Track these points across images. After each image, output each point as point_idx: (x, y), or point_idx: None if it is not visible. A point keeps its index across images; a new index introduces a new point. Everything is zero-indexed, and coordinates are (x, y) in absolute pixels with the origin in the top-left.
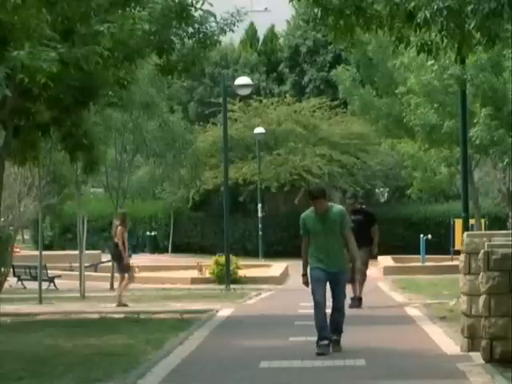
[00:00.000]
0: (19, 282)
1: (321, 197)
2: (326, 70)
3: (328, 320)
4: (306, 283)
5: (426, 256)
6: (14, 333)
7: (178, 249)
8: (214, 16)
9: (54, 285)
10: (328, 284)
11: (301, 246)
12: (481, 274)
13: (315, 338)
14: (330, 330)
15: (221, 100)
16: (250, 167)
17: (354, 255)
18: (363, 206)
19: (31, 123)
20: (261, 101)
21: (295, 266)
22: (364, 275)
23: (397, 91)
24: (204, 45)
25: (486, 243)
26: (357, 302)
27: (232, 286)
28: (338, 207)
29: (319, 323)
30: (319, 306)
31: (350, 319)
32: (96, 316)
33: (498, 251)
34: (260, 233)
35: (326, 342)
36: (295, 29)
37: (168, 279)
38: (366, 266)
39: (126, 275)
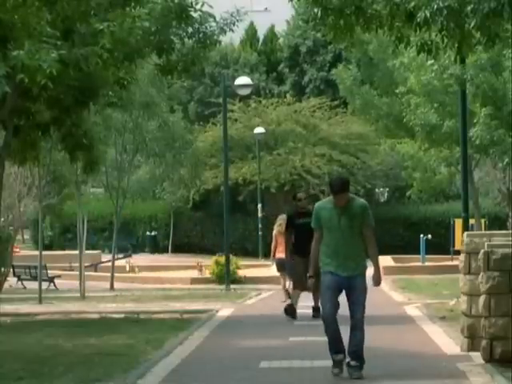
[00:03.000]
0: (19, 282)
1: (344, 190)
2: (326, 69)
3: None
4: (311, 286)
5: (426, 256)
6: (14, 333)
7: (178, 249)
8: (214, 17)
9: (54, 285)
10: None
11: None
12: (481, 274)
13: (315, 338)
14: (347, 352)
15: (221, 100)
16: (250, 167)
17: (375, 260)
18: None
19: (31, 123)
20: (260, 101)
21: None
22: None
23: (397, 91)
24: (204, 45)
25: (486, 243)
26: (316, 312)
27: (232, 286)
28: (360, 200)
29: (331, 337)
30: (328, 321)
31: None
32: (96, 316)
33: (498, 251)
34: (260, 233)
35: (341, 356)
36: (295, 29)
37: (168, 279)
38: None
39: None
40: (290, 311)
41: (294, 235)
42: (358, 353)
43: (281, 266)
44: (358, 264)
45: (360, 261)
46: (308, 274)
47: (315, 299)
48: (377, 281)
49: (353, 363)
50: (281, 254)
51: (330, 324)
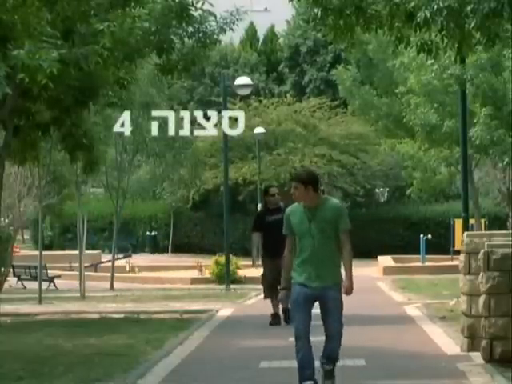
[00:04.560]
0: (19, 282)
1: (300, 181)
2: (326, 70)
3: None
4: (283, 300)
5: (426, 256)
6: (14, 333)
7: (178, 249)
8: (214, 16)
9: (54, 285)
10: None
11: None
12: (481, 274)
13: (315, 338)
14: (321, 358)
15: (221, 100)
16: (250, 167)
17: (348, 266)
18: (281, 203)
19: (31, 123)
20: (260, 101)
21: None
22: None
23: (397, 91)
24: (204, 44)
25: (486, 243)
26: (278, 319)
27: (232, 286)
28: (333, 201)
29: (301, 361)
30: (300, 338)
31: (350, 319)
32: (96, 316)
33: (498, 251)
34: None
35: (310, 382)
36: (295, 29)
37: (168, 279)
38: None
39: None
40: (275, 320)
41: (264, 235)
42: (332, 357)
43: None
44: (331, 273)
45: (334, 270)
46: (280, 287)
47: (275, 305)
48: (348, 289)
49: (326, 367)
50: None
51: (301, 342)
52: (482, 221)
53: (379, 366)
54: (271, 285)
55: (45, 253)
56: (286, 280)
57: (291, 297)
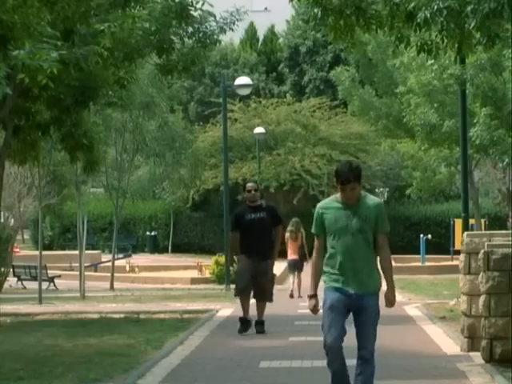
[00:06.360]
0: (19, 282)
1: (355, 179)
2: (326, 70)
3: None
4: (314, 309)
5: (426, 256)
6: (14, 333)
7: (178, 249)
8: (214, 16)
9: (54, 285)
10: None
11: (312, 252)
12: (481, 274)
13: (315, 338)
14: None
15: (221, 100)
16: (250, 167)
17: (390, 275)
18: (262, 201)
19: (31, 123)
20: (260, 101)
21: None
22: (270, 294)
23: (397, 91)
24: (204, 44)
25: (486, 243)
26: (260, 326)
27: (232, 286)
28: (373, 199)
29: (336, 373)
30: (332, 352)
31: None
32: (96, 316)
33: (498, 251)
34: None
35: None
36: (295, 29)
37: (168, 279)
38: (272, 282)
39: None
40: (244, 326)
41: (243, 233)
42: None
43: (292, 266)
44: (371, 279)
45: (374, 275)
46: (308, 294)
47: (259, 311)
48: (391, 300)
49: None
50: (292, 256)
51: (334, 357)
52: (482, 221)
53: (379, 366)
54: (245, 287)
55: (45, 253)
56: (315, 287)
57: (324, 303)
